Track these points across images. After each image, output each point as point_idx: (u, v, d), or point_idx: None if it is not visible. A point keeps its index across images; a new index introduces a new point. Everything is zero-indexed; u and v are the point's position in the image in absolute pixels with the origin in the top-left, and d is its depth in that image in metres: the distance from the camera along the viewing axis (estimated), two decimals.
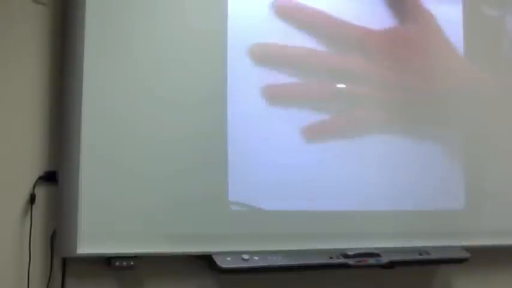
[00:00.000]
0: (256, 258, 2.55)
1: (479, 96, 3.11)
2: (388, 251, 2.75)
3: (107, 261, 2.44)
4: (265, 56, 2.73)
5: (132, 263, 2.44)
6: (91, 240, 2.38)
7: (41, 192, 2.43)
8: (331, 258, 2.66)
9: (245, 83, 2.67)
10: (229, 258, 2.52)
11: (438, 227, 2.91)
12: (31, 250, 2.39)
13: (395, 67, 2.96)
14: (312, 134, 2.75)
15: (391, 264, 2.73)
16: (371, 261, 2.70)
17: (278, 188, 2.67)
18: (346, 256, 2.68)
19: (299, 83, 2.79)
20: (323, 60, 2.84)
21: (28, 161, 2.43)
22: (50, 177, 2.44)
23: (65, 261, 2.44)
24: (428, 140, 2.98)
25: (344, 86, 2.86)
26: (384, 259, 2.72)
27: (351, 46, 2.89)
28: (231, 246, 2.57)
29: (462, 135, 3.07)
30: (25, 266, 2.38)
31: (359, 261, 2.68)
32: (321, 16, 2.85)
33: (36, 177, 2.43)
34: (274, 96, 2.72)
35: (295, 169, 2.71)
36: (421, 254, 2.80)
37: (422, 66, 3.01)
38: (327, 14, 2.86)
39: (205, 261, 2.54)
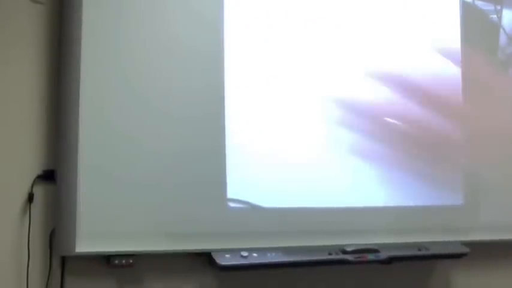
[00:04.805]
0: (255, 255, 2.56)
1: (479, 92, 3.11)
2: (387, 246, 2.75)
3: (106, 260, 2.44)
4: None
5: (131, 261, 2.44)
6: (90, 239, 2.38)
7: (39, 191, 2.43)
8: (330, 254, 2.66)
9: (243, 82, 2.67)
10: (228, 256, 2.52)
11: (437, 222, 2.90)
12: (30, 249, 2.39)
13: None
14: None
15: (390, 260, 2.73)
16: (370, 257, 2.70)
17: (277, 185, 2.67)
18: (345, 252, 2.68)
19: None
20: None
21: (26, 160, 2.43)
22: (48, 176, 2.44)
23: (64, 260, 2.44)
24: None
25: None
26: (383, 255, 2.72)
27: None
28: (230, 243, 2.57)
29: (461, 130, 3.07)
30: (24, 264, 2.38)
31: (358, 257, 2.68)
32: None
33: (35, 176, 2.43)
34: None
35: (294, 166, 2.70)
36: (420, 250, 2.80)
37: None
38: None
39: (205, 258, 2.55)
